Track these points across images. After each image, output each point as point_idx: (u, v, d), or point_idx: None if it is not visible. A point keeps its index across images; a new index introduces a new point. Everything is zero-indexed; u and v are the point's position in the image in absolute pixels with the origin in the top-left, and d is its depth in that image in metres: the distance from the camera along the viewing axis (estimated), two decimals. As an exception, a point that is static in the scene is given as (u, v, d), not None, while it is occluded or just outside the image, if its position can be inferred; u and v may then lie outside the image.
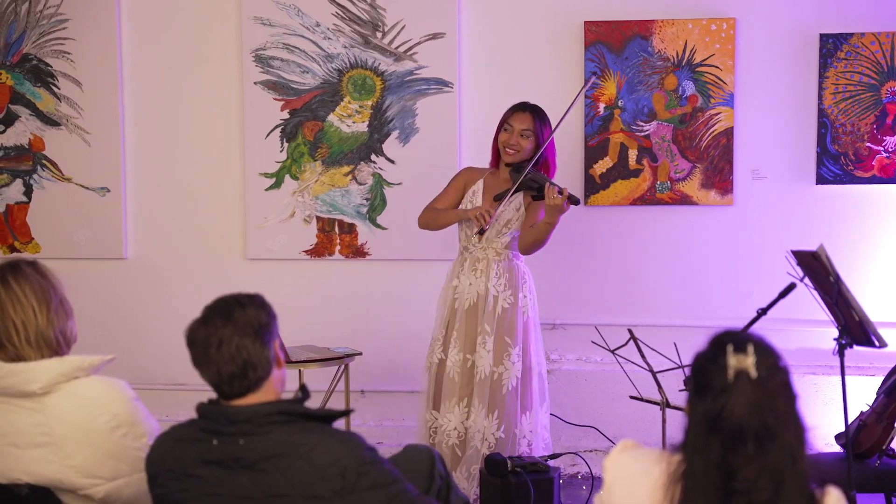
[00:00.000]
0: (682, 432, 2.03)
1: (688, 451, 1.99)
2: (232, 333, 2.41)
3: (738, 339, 1.99)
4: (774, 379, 1.96)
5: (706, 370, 2.00)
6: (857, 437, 4.01)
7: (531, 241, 4.41)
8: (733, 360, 1.96)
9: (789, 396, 1.98)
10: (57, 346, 2.75)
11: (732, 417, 1.93)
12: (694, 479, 1.96)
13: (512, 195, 4.40)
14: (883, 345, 3.49)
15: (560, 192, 4.23)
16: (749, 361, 1.96)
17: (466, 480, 4.42)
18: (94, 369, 2.72)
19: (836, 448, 4.16)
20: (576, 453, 5.08)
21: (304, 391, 2.53)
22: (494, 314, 4.41)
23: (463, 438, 4.45)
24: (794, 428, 1.96)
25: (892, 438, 3.93)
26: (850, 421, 4.19)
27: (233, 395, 2.46)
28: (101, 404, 2.67)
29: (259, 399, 2.46)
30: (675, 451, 2.03)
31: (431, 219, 4.59)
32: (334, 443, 2.40)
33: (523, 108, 4.51)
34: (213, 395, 2.52)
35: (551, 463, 4.34)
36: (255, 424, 2.41)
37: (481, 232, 4.35)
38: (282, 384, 2.54)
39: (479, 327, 4.42)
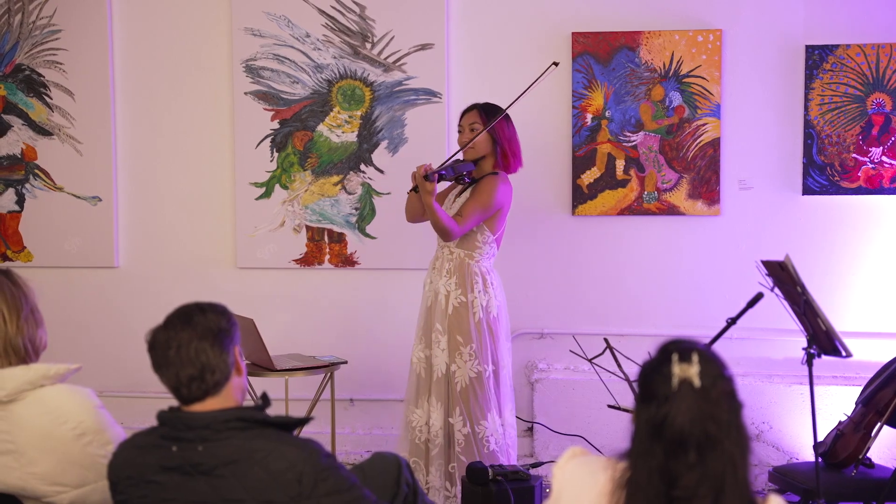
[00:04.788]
0: (628, 440, 2.05)
1: (632, 458, 2.01)
2: (191, 337, 2.44)
3: (683, 347, 2.00)
4: (717, 388, 1.97)
5: (652, 378, 2.01)
6: (834, 446, 4.02)
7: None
8: (677, 369, 1.97)
9: (733, 406, 1.99)
10: (25, 354, 2.77)
11: (675, 425, 1.94)
12: (636, 486, 1.97)
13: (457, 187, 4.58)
14: (848, 354, 3.50)
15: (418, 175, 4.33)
16: (693, 371, 1.97)
17: (438, 479, 4.47)
18: (60, 378, 2.73)
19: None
20: (560, 462, 5.07)
21: (264, 399, 2.55)
22: (446, 313, 4.46)
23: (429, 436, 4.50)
24: (737, 437, 1.96)
25: (869, 448, 3.94)
26: (829, 431, 4.22)
27: (191, 399, 2.48)
28: (66, 412, 2.68)
29: (218, 405, 2.48)
30: (621, 459, 2.05)
31: (407, 207, 4.66)
32: (291, 449, 2.42)
33: (469, 108, 4.61)
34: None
35: (533, 472, 4.35)
36: (214, 430, 2.43)
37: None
38: (242, 392, 2.55)
39: (433, 326, 4.48)
